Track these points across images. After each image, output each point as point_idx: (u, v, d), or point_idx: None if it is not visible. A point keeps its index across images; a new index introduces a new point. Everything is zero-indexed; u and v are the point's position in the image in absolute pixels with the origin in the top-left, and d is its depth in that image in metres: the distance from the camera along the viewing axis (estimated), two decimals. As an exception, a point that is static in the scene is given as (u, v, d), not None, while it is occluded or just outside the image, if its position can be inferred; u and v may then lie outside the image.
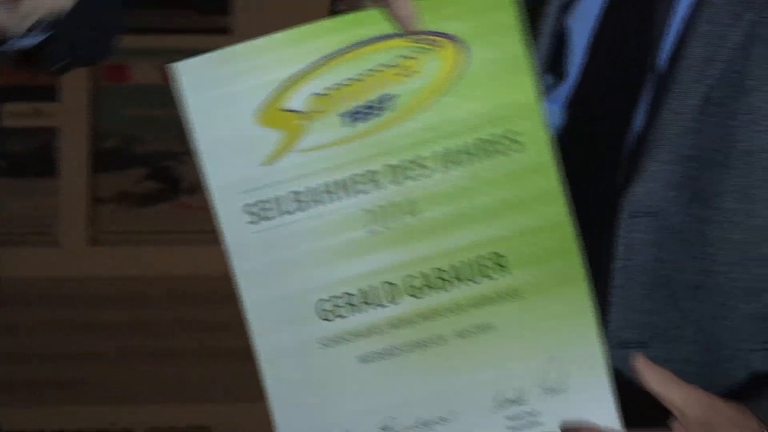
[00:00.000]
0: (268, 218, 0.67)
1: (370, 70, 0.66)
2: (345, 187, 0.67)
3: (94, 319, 2.83)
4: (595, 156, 0.77)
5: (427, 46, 0.66)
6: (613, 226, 0.73)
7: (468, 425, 0.65)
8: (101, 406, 2.83)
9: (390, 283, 0.67)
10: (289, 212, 0.67)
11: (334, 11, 0.73)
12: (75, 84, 2.83)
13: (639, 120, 0.76)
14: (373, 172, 0.67)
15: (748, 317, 0.73)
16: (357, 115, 0.67)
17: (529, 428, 0.65)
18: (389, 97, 0.67)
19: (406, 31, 0.65)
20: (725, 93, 0.74)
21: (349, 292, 0.67)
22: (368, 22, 0.66)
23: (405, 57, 0.66)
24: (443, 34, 0.66)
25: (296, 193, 0.67)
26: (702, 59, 0.74)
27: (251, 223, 0.67)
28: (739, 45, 0.74)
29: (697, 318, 0.73)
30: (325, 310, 0.67)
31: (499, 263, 0.66)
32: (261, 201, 0.67)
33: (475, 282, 0.66)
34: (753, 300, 0.74)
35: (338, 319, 0.66)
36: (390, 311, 0.66)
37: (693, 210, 0.73)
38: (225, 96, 0.67)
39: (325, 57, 0.66)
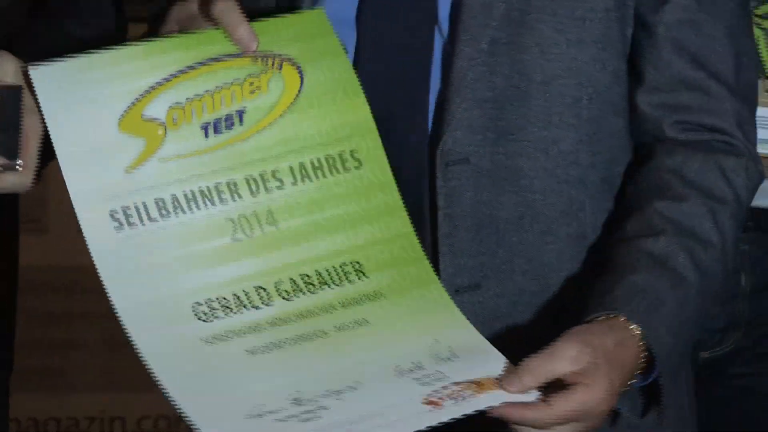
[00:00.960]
0: (132, 225, 0.68)
1: (223, 85, 0.71)
2: (208, 196, 0.70)
3: (84, 308, 2.86)
4: (403, 112, 0.81)
5: (270, 67, 0.73)
6: (432, 177, 0.78)
7: (377, 388, 0.68)
8: (90, 394, 2.86)
9: (262, 288, 0.70)
10: (153, 219, 0.69)
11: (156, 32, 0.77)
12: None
13: (435, 72, 0.80)
14: (234, 183, 0.71)
15: (568, 238, 0.80)
16: (214, 126, 0.71)
17: (438, 382, 0.68)
18: (241, 111, 0.72)
19: (246, 51, 0.72)
20: (511, 31, 0.78)
21: (223, 296, 0.70)
22: (218, 40, 0.72)
23: (253, 75, 0.72)
24: (282, 56, 0.73)
25: (160, 200, 0.69)
26: (482, 4, 0.78)
27: (115, 229, 0.68)
28: None
29: (523, 249, 0.79)
30: (203, 312, 0.69)
31: (359, 269, 0.72)
32: (124, 207, 0.68)
33: (340, 286, 0.72)
34: (572, 220, 0.80)
35: (216, 320, 0.69)
36: (266, 312, 0.70)
37: (501, 148, 0.79)
38: (85, 102, 0.68)
39: (181, 70, 0.70)
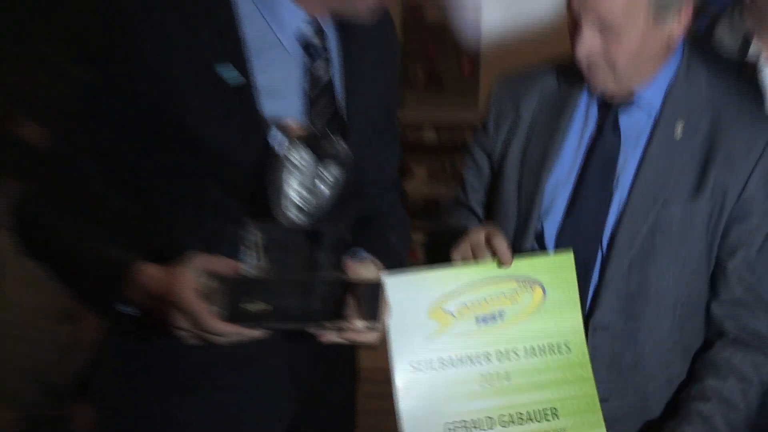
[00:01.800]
0: (423, 371, 1.22)
1: (494, 295, 1.24)
2: (471, 359, 1.24)
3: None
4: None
5: (524, 286, 1.25)
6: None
7: None
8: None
9: (489, 418, 1.23)
10: (436, 369, 1.23)
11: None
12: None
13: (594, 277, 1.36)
14: (488, 353, 1.25)
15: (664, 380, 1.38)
16: (483, 319, 1.25)
17: None
18: (501, 312, 1.25)
19: (504, 265, 1.24)
20: (644, 255, 1.33)
21: (465, 419, 1.22)
22: (491, 267, 1.25)
23: (513, 291, 1.25)
24: (535, 280, 1.25)
25: (443, 359, 1.23)
26: (628, 242, 1.33)
27: (415, 369, 1.21)
28: None
29: (635, 384, 1.35)
30: (450, 429, 1.22)
31: (555, 413, 1.25)
32: (423, 361, 1.22)
33: (539, 422, 1.25)
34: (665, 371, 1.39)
35: None
36: None
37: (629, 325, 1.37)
38: (411, 299, 1.21)
39: (467, 283, 1.24)
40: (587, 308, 1.29)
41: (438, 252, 1.28)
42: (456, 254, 1.23)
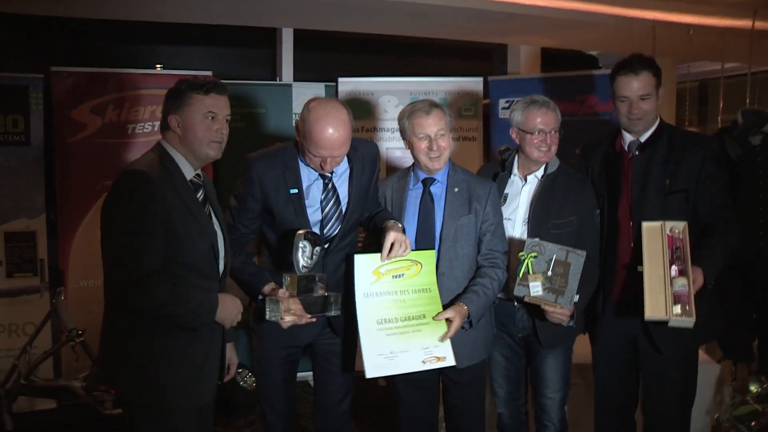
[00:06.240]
0: (369, 298, 2.90)
1: (401, 266, 2.94)
2: (389, 293, 2.95)
3: None
4: None
5: (414, 262, 2.98)
6: None
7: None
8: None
9: (396, 318, 2.92)
10: (374, 297, 2.90)
11: None
12: None
13: None
14: (396, 291, 2.98)
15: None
16: (395, 276, 2.96)
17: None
18: (403, 274, 2.96)
19: (407, 252, 2.92)
20: None
21: (385, 319, 2.88)
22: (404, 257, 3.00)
23: (408, 264, 2.96)
24: (416, 260, 2.98)
25: (378, 292, 2.92)
26: None
27: (364, 298, 2.89)
28: None
29: None
30: (378, 322, 2.86)
31: (423, 314, 2.97)
32: (369, 293, 2.91)
33: (417, 318, 2.97)
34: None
35: (384, 323, 2.88)
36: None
37: None
38: (365, 265, 2.90)
39: (389, 260, 2.93)
40: (436, 266, 2.96)
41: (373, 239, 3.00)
42: (386, 244, 2.80)
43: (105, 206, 2.36)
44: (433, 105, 2.99)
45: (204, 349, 2.47)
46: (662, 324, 2.84)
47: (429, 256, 2.89)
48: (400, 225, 2.87)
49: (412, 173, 3.09)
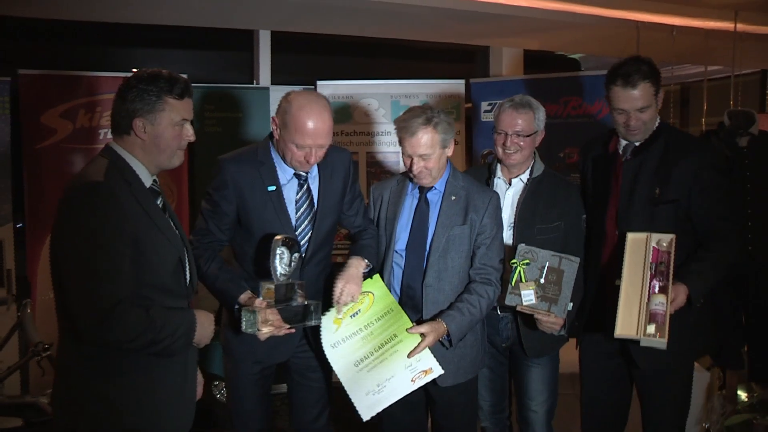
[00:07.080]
0: (336, 346, 2.84)
1: (354, 304, 2.90)
2: (354, 333, 2.87)
3: None
4: None
5: (365, 294, 2.92)
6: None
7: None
8: None
9: (370, 352, 2.83)
10: (341, 343, 2.85)
11: None
12: None
13: None
14: (360, 329, 2.88)
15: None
16: (352, 315, 2.90)
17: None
18: (360, 310, 2.89)
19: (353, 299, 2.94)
20: None
21: (360, 358, 2.82)
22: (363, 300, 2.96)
23: (361, 298, 2.91)
24: (366, 292, 2.93)
25: (343, 338, 2.85)
26: None
27: (332, 348, 2.82)
28: None
29: None
30: (355, 364, 2.80)
31: (395, 334, 2.87)
32: (334, 342, 2.84)
33: (391, 341, 2.85)
34: None
35: (361, 365, 2.82)
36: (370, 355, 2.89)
37: None
38: (325, 318, 2.82)
39: (351, 310, 2.93)
40: (423, 277, 2.84)
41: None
42: (334, 298, 2.80)
43: (60, 225, 2.06)
44: (424, 122, 2.75)
45: (181, 372, 2.24)
46: (633, 343, 2.69)
47: (375, 281, 2.82)
48: (364, 262, 2.81)
49: (410, 178, 2.90)
